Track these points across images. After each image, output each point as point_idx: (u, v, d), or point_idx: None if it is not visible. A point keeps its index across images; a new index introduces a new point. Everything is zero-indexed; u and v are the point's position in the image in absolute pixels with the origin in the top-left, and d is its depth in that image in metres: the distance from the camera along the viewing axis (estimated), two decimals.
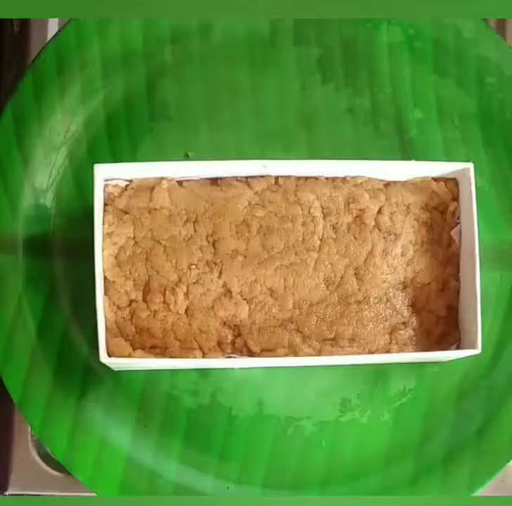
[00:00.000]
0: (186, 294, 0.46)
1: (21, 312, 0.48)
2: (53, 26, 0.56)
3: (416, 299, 0.47)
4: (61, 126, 0.49)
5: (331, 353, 0.46)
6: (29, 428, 0.51)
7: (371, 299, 0.47)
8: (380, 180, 0.48)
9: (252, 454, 0.48)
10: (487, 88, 0.51)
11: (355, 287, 0.47)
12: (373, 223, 0.47)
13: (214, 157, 0.48)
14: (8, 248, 0.48)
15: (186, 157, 0.50)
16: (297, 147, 0.50)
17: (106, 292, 0.45)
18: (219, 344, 0.46)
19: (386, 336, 0.47)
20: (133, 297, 0.46)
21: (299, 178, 0.47)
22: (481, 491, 0.48)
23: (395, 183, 0.48)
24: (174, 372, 0.48)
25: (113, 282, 0.46)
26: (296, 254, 0.46)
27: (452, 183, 0.48)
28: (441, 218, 0.48)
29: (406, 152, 0.50)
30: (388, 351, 0.46)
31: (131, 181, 0.47)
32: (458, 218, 0.47)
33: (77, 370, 0.48)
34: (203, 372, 0.48)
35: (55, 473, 0.51)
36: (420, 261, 0.47)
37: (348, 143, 0.50)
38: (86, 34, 0.49)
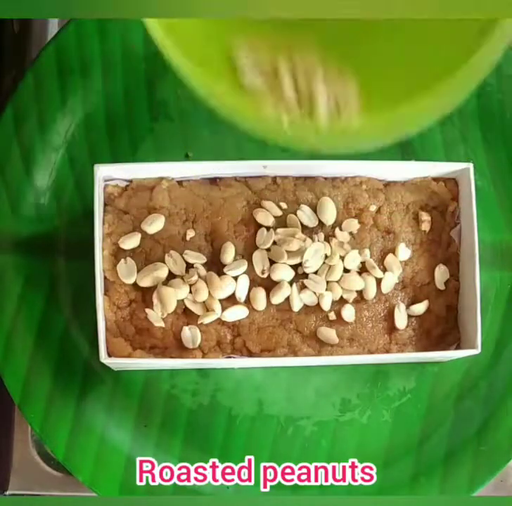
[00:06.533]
0: None
1: (21, 312, 0.48)
2: (53, 26, 0.56)
3: (416, 299, 0.47)
4: (61, 126, 0.49)
5: (331, 353, 0.46)
6: (29, 428, 0.51)
7: (370, 299, 0.47)
8: (380, 180, 0.48)
9: (252, 454, 0.48)
10: (487, 88, 0.51)
11: None
12: (372, 222, 0.47)
13: (214, 157, 0.48)
14: (8, 248, 0.48)
15: (186, 157, 0.50)
16: None
17: (106, 292, 0.45)
18: (219, 343, 0.46)
19: (385, 336, 0.47)
20: (132, 297, 0.46)
21: (297, 177, 0.47)
22: (481, 491, 0.48)
23: (395, 183, 0.48)
24: (174, 372, 0.48)
25: (113, 282, 0.46)
26: None
27: (452, 183, 0.48)
28: (440, 218, 0.48)
29: (406, 152, 0.50)
30: (388, 351, 0.46)
31: (131, 181, 0.47)
32: (457, 218, 0.47)
33: (77, 370, 0.48)
34: (203, 372, 0.48)
35: (55, 473, 0.51)
36: (419, 260, 0.47)
37: None
38: (86, 34, 0.49)
